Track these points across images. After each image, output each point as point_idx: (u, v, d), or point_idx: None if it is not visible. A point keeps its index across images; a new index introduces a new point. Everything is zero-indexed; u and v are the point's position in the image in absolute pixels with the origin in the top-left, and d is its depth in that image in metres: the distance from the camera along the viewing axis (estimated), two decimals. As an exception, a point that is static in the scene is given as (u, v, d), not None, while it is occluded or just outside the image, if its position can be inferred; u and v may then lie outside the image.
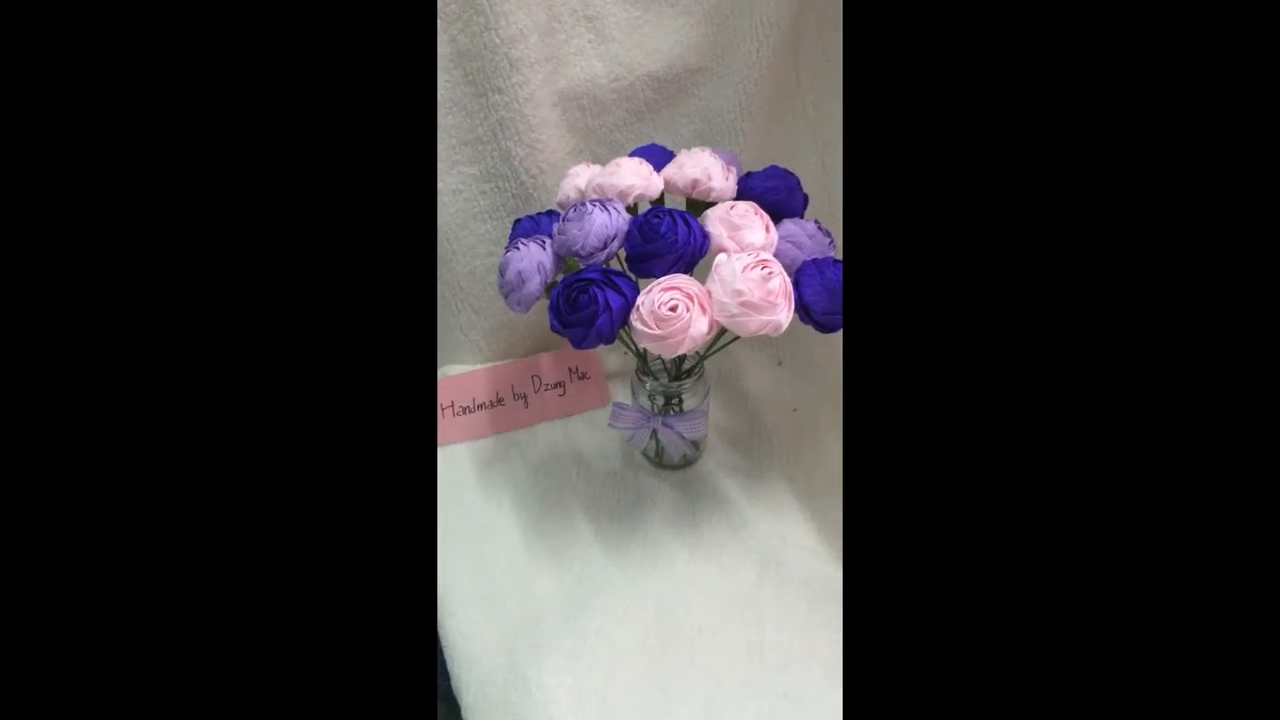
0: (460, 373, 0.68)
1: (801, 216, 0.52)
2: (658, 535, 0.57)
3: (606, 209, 0.47)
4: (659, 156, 0.55)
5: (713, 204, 0.51)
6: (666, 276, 0.44)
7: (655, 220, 0.45)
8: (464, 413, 0.67)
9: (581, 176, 0.53)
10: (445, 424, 0.66)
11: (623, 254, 0.47)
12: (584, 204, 0.47)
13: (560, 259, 0.49)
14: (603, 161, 0.63)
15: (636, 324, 0.44)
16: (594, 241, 0.46)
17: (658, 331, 0.43)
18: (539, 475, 0.63)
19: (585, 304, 0.44)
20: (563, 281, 0.46)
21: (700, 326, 0.43)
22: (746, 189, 0.52)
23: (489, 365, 0.69)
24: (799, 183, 0.53)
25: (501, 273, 0.49)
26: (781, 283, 0.44)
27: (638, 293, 0.45)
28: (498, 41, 0.53)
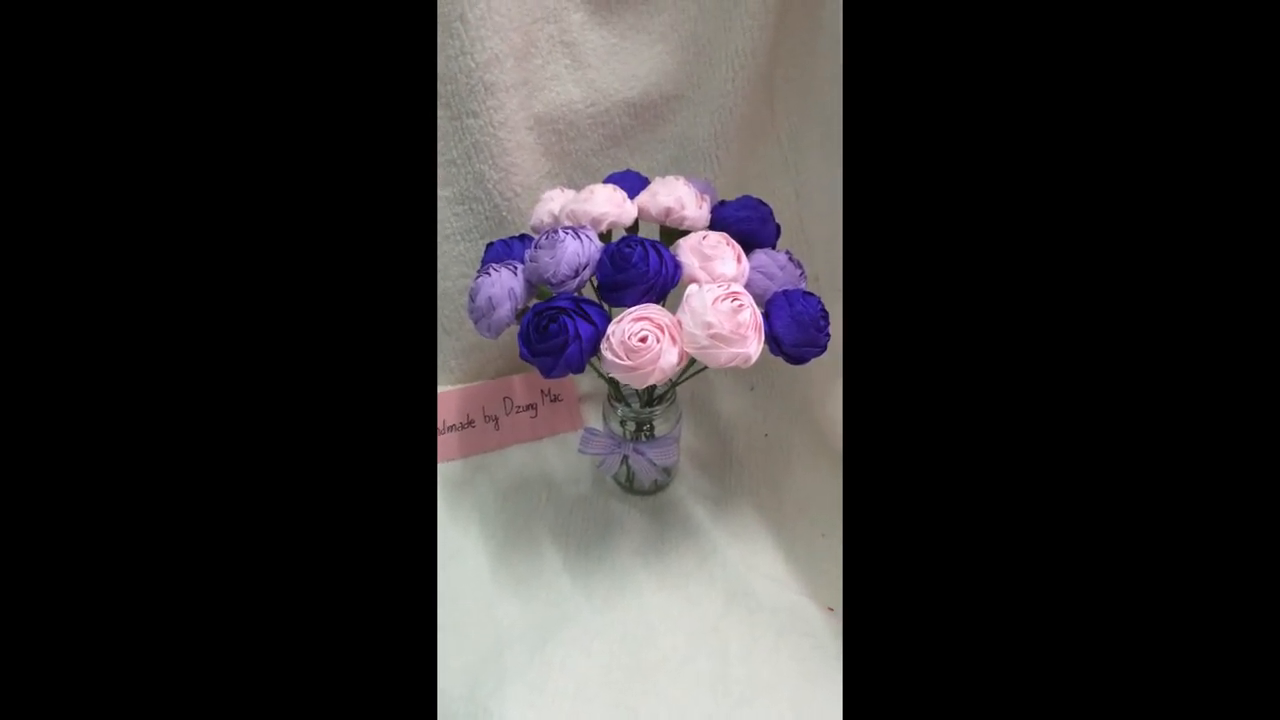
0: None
1: (774, 246, 0.53)
2: (626, 564, 0.57)
3: (579, 236, 0.47)
4: (634, 183, 0.55)
5: (686, 232, 0.51)
6: (637, 306, 0.44)
7: (627, 250, 0.45)
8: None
9: (555, 201, 0.53)
10: (413, 446, 0.65)
11: (594, 281, 0.47)
12: (556, 231, 0.47)
13: (532, 285, 0.49)
14: (578, 186, 0.63)
15: (606, 354, 0.43)
16: (565, 270, 0.46)
17: (628, 362, 0.43)
18: (508, 500, 0.62)
19: (555, 332, 0.44)
20: (532, 309, 0.45)
21: (670, 358, 0.43)
22: (720, 218, 0.52)
23: (460, 386, 0.68)
24: (771, 213, 0.53)
25: (472, 298, 0.49)
26: (751, 315, 0.44)
27: (608, 321, 0.45)
28: (473, 65, 0.52)
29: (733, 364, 0.43)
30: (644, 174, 0.63)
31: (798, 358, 0.47)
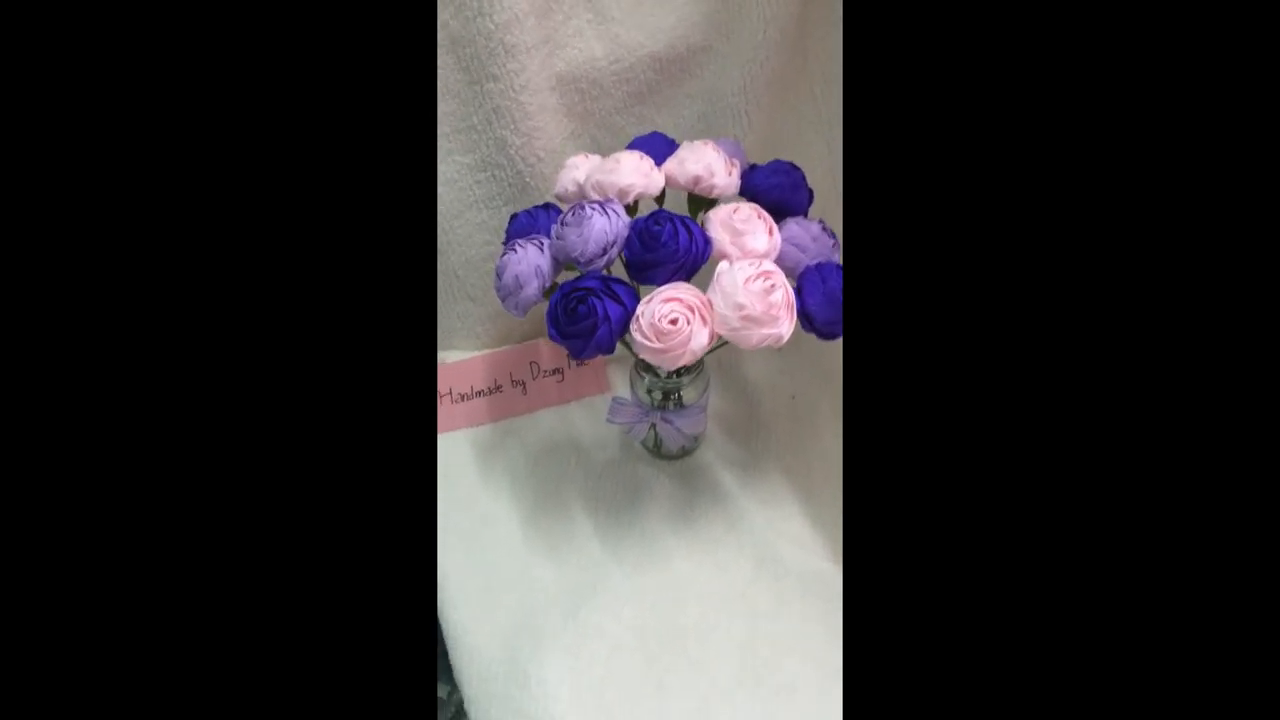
0: (458, 359, 0.68)
1: (805, 214, 0.51)
2: (655, 530, 0.58)
3: (606, 212, 0.45)
4: (660, 147, 0.53)
5: (714, 200, 0.50)
6: (667, 285, 0.44)
7: (656, 228, 0.44)
8: (462, 399, 0.67)
9: (580, 169, 0.52)
10: (444, 411, 0.66)
11: (623, 257, 0.46)
12: (582, 206, 0.46)
13: (559, 262, 0.48)
14: (602, 146, 0.61)
15: (636, 336, 0.43)
16: (593, 248, 0.45)
17: (658, 345, 0.42)
18: (537, 464, 0.63)
19: (584, 314, 0.43)
20: (560, 289, 0.45)
21: (701, 339, 0.43)
22: (750, 185, 0.50)
23: (487, 351, 0.68)
24: (804, 178, 0.51)
25: (499, 275, 0.48)
26: (784, 294, 0.43)
27: (637, 301, 0.44)
28: (491, 27, 0.50)
29: (764, 344, 0.43)
30: (670, 132, 0.60)
31: (829, 334, 0.46)
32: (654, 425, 0.58)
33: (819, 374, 0.66)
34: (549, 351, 0.69)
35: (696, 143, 0.51)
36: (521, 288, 0.47)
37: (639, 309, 0.43)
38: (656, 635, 0.51)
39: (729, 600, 0.53)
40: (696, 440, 0.63)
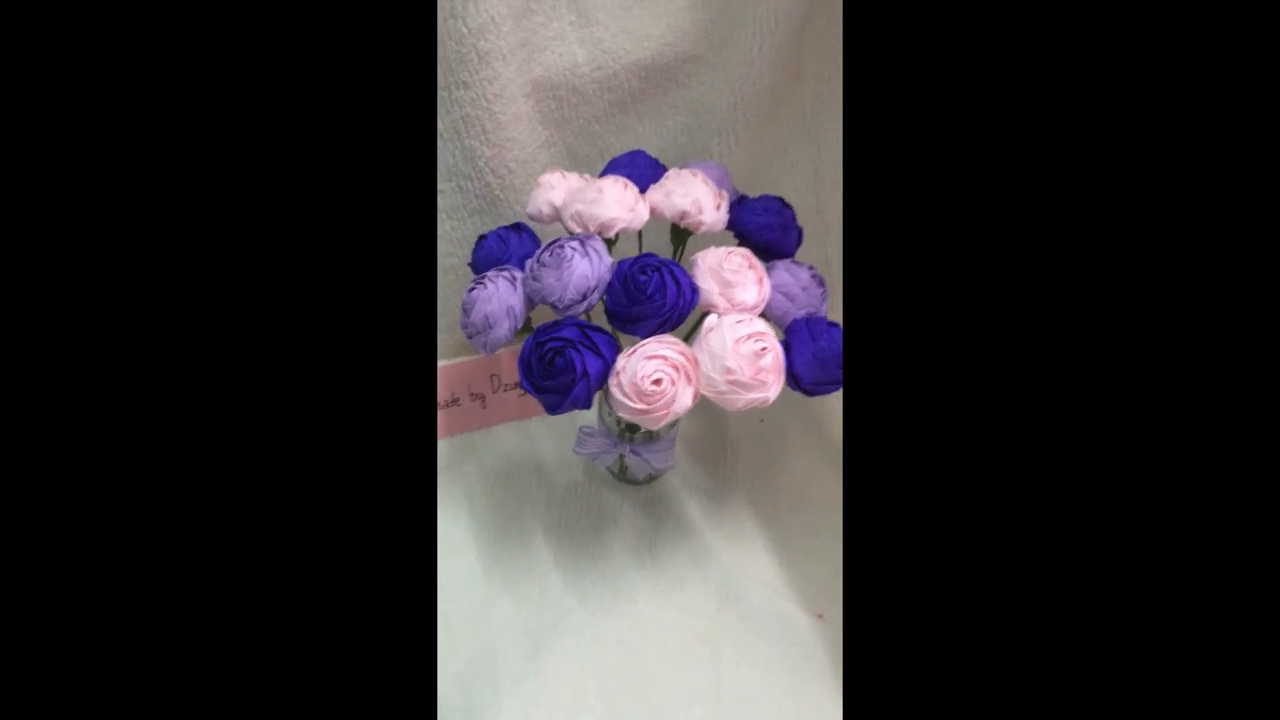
0: (413, 370, 0.64)
1: (794, 255, 0.49)
2: (619, 564, 0.56)
3: (587, 251, 0.42)
4: (643, 170, 0.49)
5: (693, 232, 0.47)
6: (650, 338, 0.41)
7: (643, 278, 0.41)
8: (416, 412, 0.63)
9: (557, 190, 0.48)
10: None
11: (603, 300, 0.43)
12: (561, 246, 0.42)
13: (532, 301, 0.44)
14: (578, 156, 0.57)
15: (615, 393, 0.40)
16: (573, 294, 0.41)
17: (639, 405, 0.40)
18: (497, 486, 0.60)
19: (561, 368, 0.40)
20: (534, 336, 0.41)
21: (685, 400, 0.40)
22: (739, 223, 0.48)
23: (445, 363, 0.64)
24: (794, 217, 0.49)
25: (465, 311, 0.44)
26: (774, 358, 0.40)
27: (617, 351, 0.41)
28: (464, 31, 0.45)
29: (750, 407, 0.41)
30: (652, 143, 0.57)
31: (817, 393, 0.44)
32: (622, 455, 0.56)
33: (788, 397, 0.65)
34: (510, 364, 0.65)
35: (683, 172, 0.47)
36: (491, 328, 0.43)
37: (619, 363, 0.40)
38: (619, 678, 0.50)
39: (692, 643, 0.52)
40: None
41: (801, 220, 0.50)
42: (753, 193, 0.52)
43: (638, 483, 0.61)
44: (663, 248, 0.50)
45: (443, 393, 0.64)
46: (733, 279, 0.42)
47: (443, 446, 0.63)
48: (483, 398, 0.65)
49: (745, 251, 0.44)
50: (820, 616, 0.54)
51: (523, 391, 0.65)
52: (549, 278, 0.41)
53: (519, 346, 0.42)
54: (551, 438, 0.64)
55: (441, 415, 0.64)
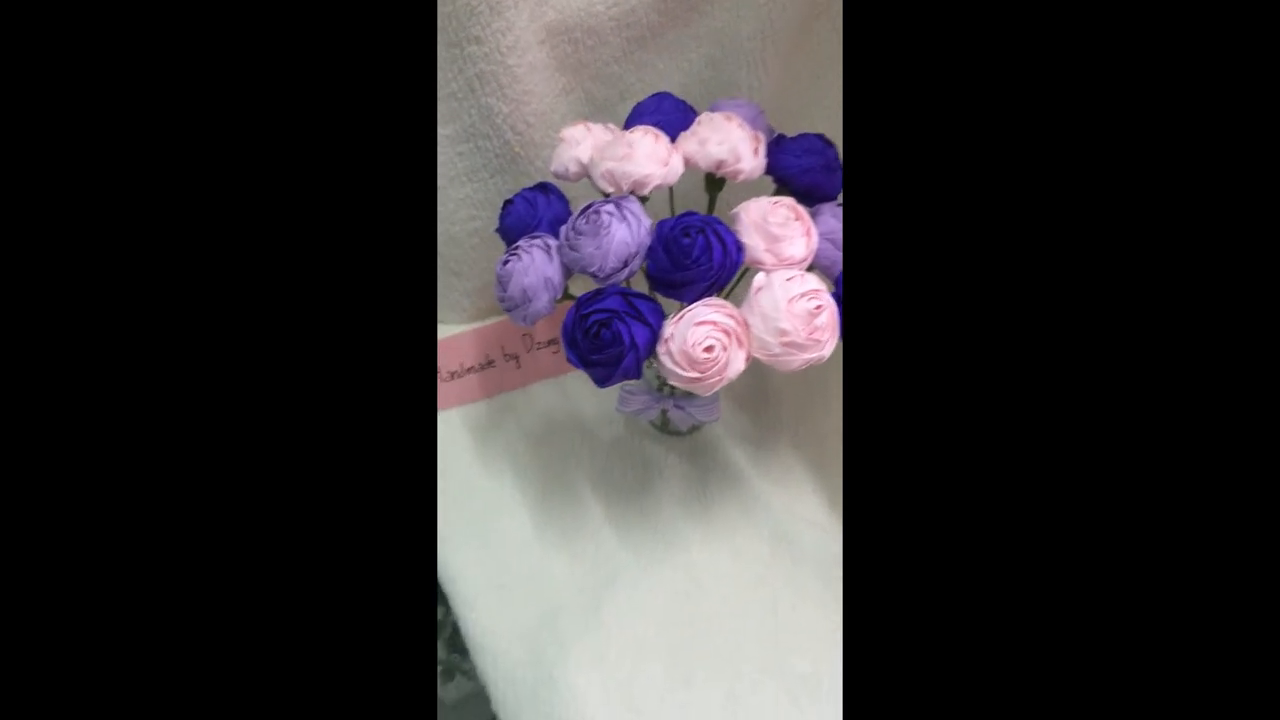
0: (447, 335, 0.63)
1: (837, 199, 0.46)
2: (669, 515, 0.57)
3: (624, 216, 0.40)
4: (672, 116, 0.46)
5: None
6: (697, 302, 0.39)
7: (686, 241, 0.39)
8: (453, 377, 0.63)
9: (582, 145, 0.45)
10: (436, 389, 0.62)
11: (645, 266, 0.41)
12: (596, 211, 0.40)
13: (570, 270, 0.42)
14: (596, 100, 0.54)
15: (665, 361, 0.39)
16: (614, 262, 0.40)
17: (691, 374, 0.39)
18: (540, 444, 0.60)
19: (609, 340, 0.39)
20: (576, 307, 0.40)
21: (738, 364, 0.39)
22: (778, 167, 0.45)
23: (476, 325, 0.63)
24: (836, 156, 0.46)
25: (501, 285, 0.43)
26: (829, 315, 0.39)
27: (663, 317, 0.40)
28: (473, -20, 0.41)
29: (805, 367, 0.40)
30: (675, 79, 0.53)
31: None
32: (665, 409, 0.56)
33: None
34: (543, 321, 0.64)
35: (716, 116, 0.44)
36: (530, 301, 0.42)
37: (667, 330, 0.39)
38: (679, 628, 0.52)
39: (747, 588, 0.53)
40: (706, 417, 0.61)
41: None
42: (786, 127, 0.49)
43: (681, 434, 0.61)
44: (696, 196, 0.48)
45: (476, 356, 0.63)
46: (779, 233, 0.40)
47: (481, 408, 0.63)
48: (517, 358, 0.64)
49: (790, 201, 0.41)
50: (872, 555, 0.54)
51: (558, 348, 0.65)
52: (587, 247, 0.40)
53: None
54: (590, 393, 0.63)
55: (476, 378, 0.63)
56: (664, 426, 0.60)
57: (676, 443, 0.60)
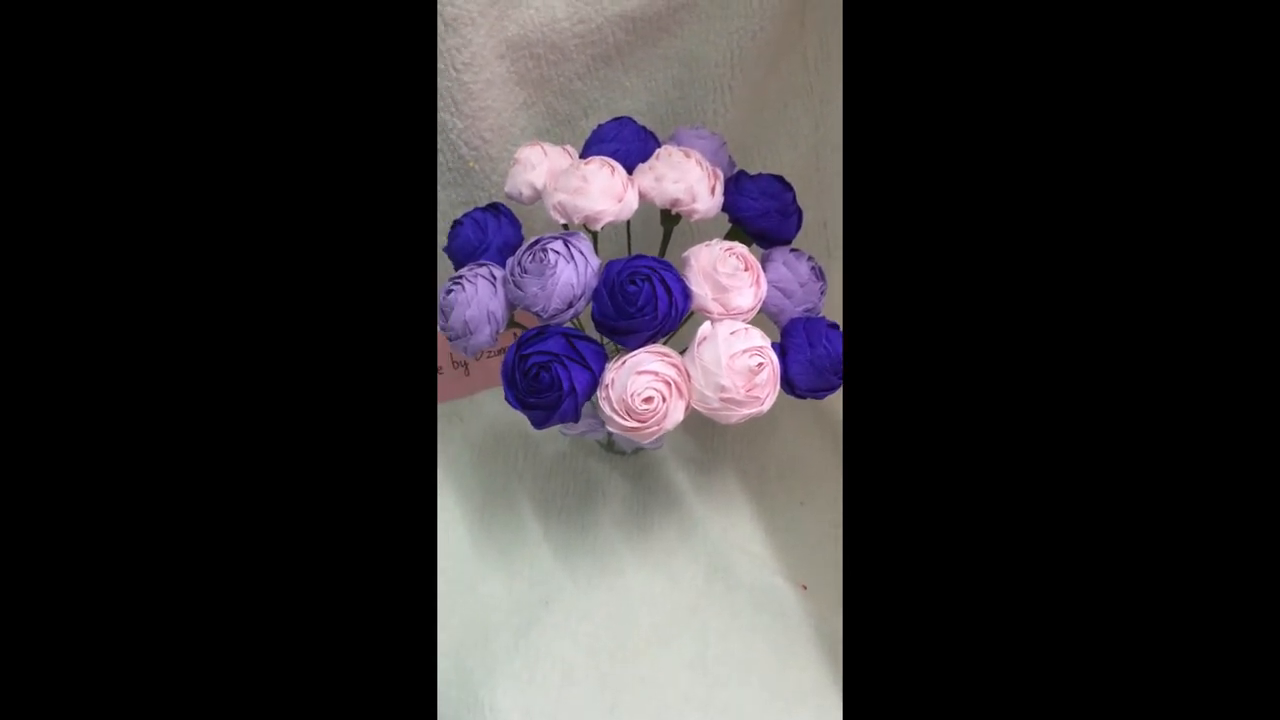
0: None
1: (791, 243, 0.46)
2: (608, 537, 0.57)
3: (571, 255, 0.39)
4: (632, 144, 0.45)
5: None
6: (639, 349, 0.39)
7: (632, 289, 0.38)
8: (397, 382, 0.61)
9: (538, 169, 0.44)
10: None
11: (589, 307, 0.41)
12: (544, 248, 0.39)
13: (514, 304, 0.41)
14: (559, 115, 0.52)
15: (604, 408, 0.39)
16: (557, 303, 0.39)
17: (630, 423, 0.38)
18: (484, 457, 0.60)
19: (547, 384, 0.38)
20: (516, 348, 0.39)
21: (676, 415, 0.39)
22: (735, 208, 0.44)
23: (423, 330, 0.62)
24: (794, 198, 0.45)
25: (444, 314, 0.42)
26: (769, 373, 0.39)
27: (605, 361, 0.39)
28: (427, -5, 0.39)
29: (744, 421, 0.40)
30: (641, 98, 0.52)
31: (809, 397, 0.43)
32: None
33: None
34: (493, 330, 0.63)
35: (675, 151, 0.43)
36: (471, 334, 0.41)
37: (608, 375, 0.39)
38: (609, 654, 0.52)
39: (681, 615, 0.54)
40: (651, 438, 0.60)
41: (800, 179, 0.47)
42: (751, 155, 0.49)
43: (625, 454, 0.60)
44: (654, 227, 0.47)
45: (423, 362, 0.62)
46: (728, 283, 0.40)
47: (426, 416, 0.61)
48: (465, 365, 0.63)
49: (742, 250, 0.41)
50: (804, 588, 0.55)
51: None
52: (532, 286, 0.39)
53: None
54: (537, 404, 0.63)
55: (423, 384, 0.62)
56: (609, 445, 0.60)
57: (620, 462, 0.60)
